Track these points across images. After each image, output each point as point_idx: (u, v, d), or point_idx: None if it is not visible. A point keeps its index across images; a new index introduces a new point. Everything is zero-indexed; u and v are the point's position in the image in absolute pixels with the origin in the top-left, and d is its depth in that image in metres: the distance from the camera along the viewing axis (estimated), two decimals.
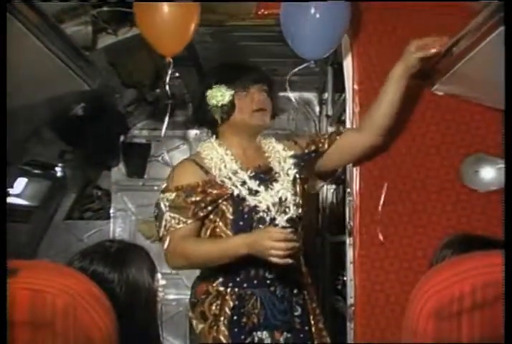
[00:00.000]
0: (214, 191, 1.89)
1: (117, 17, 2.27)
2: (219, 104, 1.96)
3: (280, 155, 2.03)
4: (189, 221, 1.88)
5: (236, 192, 1.90)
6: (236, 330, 1.87)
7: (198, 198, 1.88)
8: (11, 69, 1.43)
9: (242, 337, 1.87)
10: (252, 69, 2.08)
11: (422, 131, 2.20)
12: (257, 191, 1.91)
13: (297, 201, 1.97)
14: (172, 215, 1.88)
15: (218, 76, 2.03)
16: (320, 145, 2.10)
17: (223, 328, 1.86)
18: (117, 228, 3.67)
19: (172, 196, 1.90)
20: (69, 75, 2.00)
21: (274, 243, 1.68)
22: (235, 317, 1.88)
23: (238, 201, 1.90)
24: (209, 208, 1.90)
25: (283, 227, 1.86)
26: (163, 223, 1.89)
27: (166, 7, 1.92)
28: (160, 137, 3.57)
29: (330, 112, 3.26)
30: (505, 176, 1.14)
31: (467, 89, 2.13)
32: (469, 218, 2.15)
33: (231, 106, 1.97)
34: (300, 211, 1.97)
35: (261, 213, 1.90)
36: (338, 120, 3.24)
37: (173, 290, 3.53)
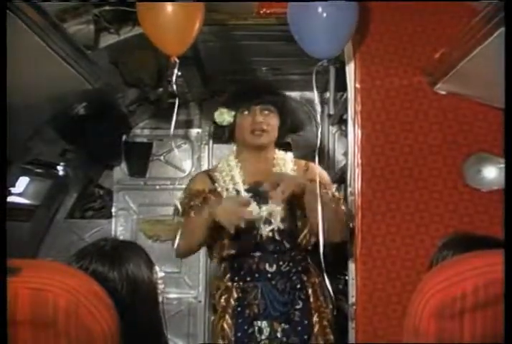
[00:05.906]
0: (213, 199, 2.11)
1: (120, 16, 2.27)
2: (222, 124, 2.20)
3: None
4: None
5: None
6: (240, 320, 2.07)
7: (197, 203, 2.09)
8: (13, 67, 1.43)
9: (245, 327, 2.06)
10: (261, 91, 2.20)
11: (424, 130, 2.20)
12: None
13: (287, 215, 2.08)
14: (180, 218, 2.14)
15: (226, 98, 2.26)
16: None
17: (227, 317, 2.08)
18: (119, 227, 3.65)
19: (182, 198, 2.17)
20: (71, 74, 2.00)
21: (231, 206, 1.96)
22: (239, 309, 2.08)
23: None
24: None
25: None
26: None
27: (169, 6, 1.92)
28: (163, 137, 3.58)
29: (331, 112, 3.25)
30: (505, 176, 1.14)
31: (469, 89, 2.12)
32: (471, 218, 2.15)
33: (233, 125, 2.20)
34: (285, 225, 2.07)
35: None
36: (340, 119, 3.24)
37: (174, 289, 3.52)
